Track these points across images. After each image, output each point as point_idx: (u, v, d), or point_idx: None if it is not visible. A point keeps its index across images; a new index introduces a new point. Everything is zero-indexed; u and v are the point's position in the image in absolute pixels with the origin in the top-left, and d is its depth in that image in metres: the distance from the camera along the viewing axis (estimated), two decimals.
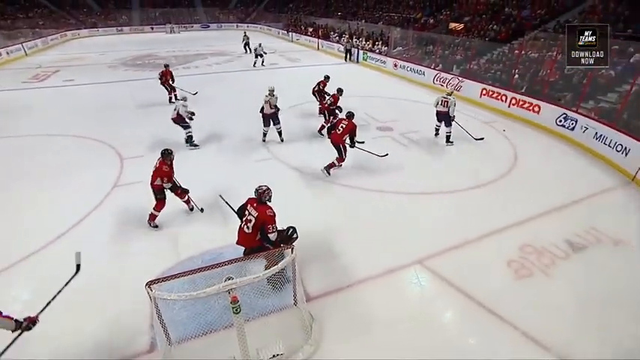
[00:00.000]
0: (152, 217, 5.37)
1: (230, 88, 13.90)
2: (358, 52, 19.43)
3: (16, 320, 2.79)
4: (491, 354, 3.60)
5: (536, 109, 9.90)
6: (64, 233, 5.27)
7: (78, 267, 3.24)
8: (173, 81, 11.50)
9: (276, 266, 3.26)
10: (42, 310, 2.96)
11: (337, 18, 27.93)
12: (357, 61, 19.37)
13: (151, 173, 5.20)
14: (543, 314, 4.01)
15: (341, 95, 8.80)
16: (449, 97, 8.22)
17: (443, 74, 13.63)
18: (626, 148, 7.15)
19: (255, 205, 3.94)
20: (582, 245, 5.11)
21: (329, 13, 30.45)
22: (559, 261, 4.80)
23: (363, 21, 24.57)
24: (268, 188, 3.99)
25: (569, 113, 8.83)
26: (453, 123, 8.28)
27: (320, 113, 9.78)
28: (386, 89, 14.00)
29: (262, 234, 3.95)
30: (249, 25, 40.58)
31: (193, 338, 3.54)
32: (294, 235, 4.03)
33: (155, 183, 5.17)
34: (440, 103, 8.30)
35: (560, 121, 9.02)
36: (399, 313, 4.05)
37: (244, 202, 4.12)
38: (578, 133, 8.50)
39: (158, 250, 4.93)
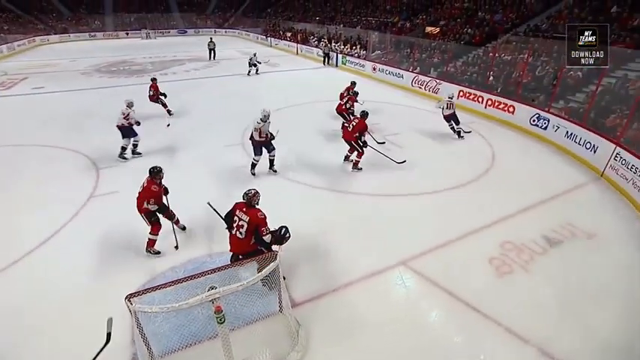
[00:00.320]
0: (151, 243, 4.85)
1: (209, 94, 13.71)
2: (337, 56, 19.59)
3: None
4: (477, 351, 3.66)
5: (511, 109, 10.22)
6: (38, 247, 5.05)
7: (108, 336, 2.69)
8: (162, 95, 10.58)
9: (259, 273, 3.22)
10: None
11: (315, 22, 28.10)
12: (337, 65, 19.51)
13: (137, 195, 4.64)
14: (525, 309, 4.11)
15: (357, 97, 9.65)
16: (452, 99, 9.01)
17: (421, 77, 13.90)
18: (594, 145, 7.47)
19: (244, 209, 3.91)
20: (558, 240, 5.29)
21: (307, 18, 30.60)
22: (537, 256, 4.95)
23: (342, 25, 24.81)
24: (257, 191, 3.99)
25: (542, 113, 9.16)
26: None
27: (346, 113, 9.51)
28: (365, 92, 14.07)
29: (256, 237, 3.93)
30: (227, 30, 40.27)
31: (177, 351, 3.44)
32: (287, 235, 4.02)
33: (143, 207, 4.60)
34: (447, 106, 8.95)
35: (534, 120, 9.34)
36: (385, 315, 4.07)
37: (231, 207, 4.07)
38: (551, 132, 8.83)
39: (139, 262, 4.78)
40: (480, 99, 11.22)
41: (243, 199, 3.97)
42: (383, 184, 6.84)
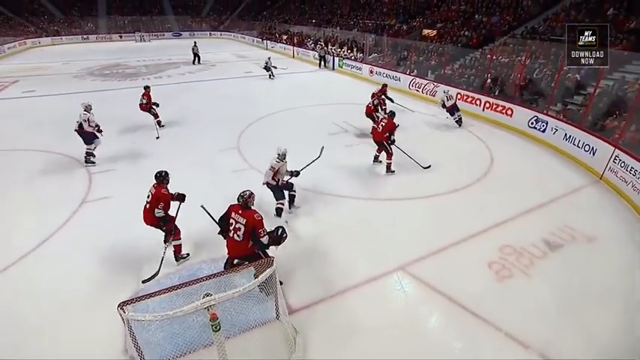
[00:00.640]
0: (178, 249, 4.70)
1: (204, 97, 13.59)
2: (334, 58, 19.58)
3: None
4: (476, 356, 3.60)
5: (509, 112, 10.20)
6: (29, 252, 4.95)
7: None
8: (155, 104, 9.72)
9: (255, 280, 3.15)
10: None
11: (312, 25, 28.12)
12: (333, 68, 19.50)
13: (146, 205, 4.43)
14: (525, 314, 4.05)
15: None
16: (449, 91, 10.09)
17: (418, 79, 13.89)
18: (593, 147, 7.45)
19: (240, 211, 3.85)
20: (558, 243, 5.24)
21: (303, 21, 30.62)
22: (537, 260, 4.89)
23: (338, 28, 24.83)
24: (252, 193, 3.95)
25: (540, 116, 9.15)
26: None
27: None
28: (362, 95, 14.05)
29: (254, 239, 3.86)
30: (223, 33, 40.24)
31: None
32: (284, 235, 3.98)
33: (152, 216, 4.36)
34: (447, 98, 9.81)
35: (532, 123, 9.32)
36: (383, 320, 4.00)
37: (226, 210, 4.00)
38: (549, 135, 8.80)
39: (132, 268, 4.68)
40: (478, 101, 11.20)
41: (238, 201, 3.91)
42: (380, 188, 6.79)
